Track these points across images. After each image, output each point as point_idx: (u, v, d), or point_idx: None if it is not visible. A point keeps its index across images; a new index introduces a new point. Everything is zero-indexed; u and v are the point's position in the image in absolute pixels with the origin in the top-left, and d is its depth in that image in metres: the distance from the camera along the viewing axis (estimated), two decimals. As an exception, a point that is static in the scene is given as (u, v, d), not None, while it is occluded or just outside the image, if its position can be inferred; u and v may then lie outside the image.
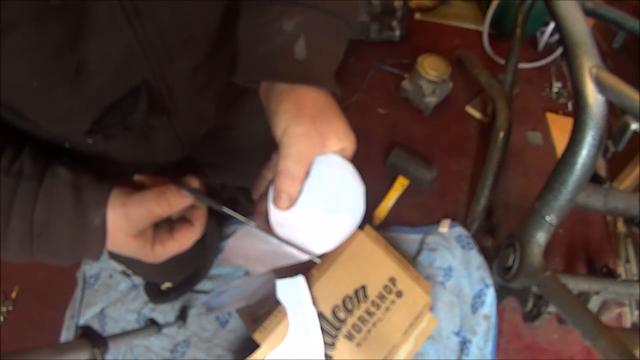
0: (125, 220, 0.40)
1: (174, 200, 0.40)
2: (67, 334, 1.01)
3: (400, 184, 1.25)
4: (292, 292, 0.72)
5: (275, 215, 0.42)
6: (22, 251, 0.39)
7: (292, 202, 0.40)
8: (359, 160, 0.44)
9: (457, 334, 0.98)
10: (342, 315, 0.74)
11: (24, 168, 0.38)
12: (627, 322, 1.04)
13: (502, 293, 0.99)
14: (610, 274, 0.91)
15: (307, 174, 0.40)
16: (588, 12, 0.88)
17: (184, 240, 0.43)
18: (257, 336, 0.70)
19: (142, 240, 0.41)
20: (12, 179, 0.38)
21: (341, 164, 0.42)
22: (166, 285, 0.97)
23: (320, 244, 0.44)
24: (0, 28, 0.30)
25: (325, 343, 0.72)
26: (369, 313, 0.76)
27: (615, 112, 0.86)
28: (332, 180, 0.41)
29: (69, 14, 0.33)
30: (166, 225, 0.43)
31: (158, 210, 0.40)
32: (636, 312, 1.02)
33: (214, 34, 0.47)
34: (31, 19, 0.31)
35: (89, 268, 1.07)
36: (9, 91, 0.36)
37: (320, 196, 0.41)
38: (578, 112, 0.66)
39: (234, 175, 0.87)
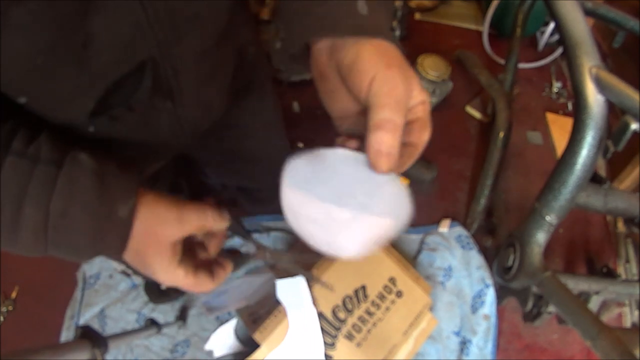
0: (178, 221, 0.39)
1: (222, 217, 0.42)
2: (67, 334, 1.01)
3: (400, 184, 1.25)
4: (292, 292, 0.72)
5: (292, 201, 0.36)
6: (35, 244, 0.36)
7: (393, 161, 0.32)
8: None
9: (457, 334, 0.98)
10: (342, 315, 0.74)
11: (41, 152, 0.35)
12: (627, 322, 1.04)
13: (502, 293, 0.99)
14: (610, 274, 0.91)
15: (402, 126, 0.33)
16: (588, 12, 0.88)
17: (218, 279, 0.44)
18: (257, 336, 0.70)
19: (177, 253, 0.40)
20: (27, 162, 0.34)
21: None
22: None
23: (343, 246, 0.36)
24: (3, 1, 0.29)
25: (325, 343, 0.72)
26: (369, 313, 0.76)
27: (615, 112, 0.86)
28: (370, 173, 0.33)
29: None
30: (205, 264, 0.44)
31: (210, 220, 0.41)
32: (636, 312, 1.02)
33: (222, 16, 0.47)
34: None
35: (89, 268, 1.07)
36: (12, 70, 0.34)
37: (351, 189, 0.34)
38: (578, 112, 0.66)
39: (234, 176, 0.87)
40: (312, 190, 0.35)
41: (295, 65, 0.41)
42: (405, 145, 0.36)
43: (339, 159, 0.35)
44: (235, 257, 0.53)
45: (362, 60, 0.33)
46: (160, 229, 0.39)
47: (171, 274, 0.41)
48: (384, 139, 0.31)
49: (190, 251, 0.43)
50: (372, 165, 0.32)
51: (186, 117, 0.54)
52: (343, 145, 0.36)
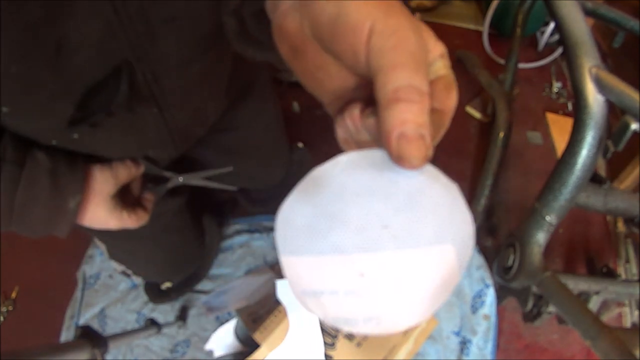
0: (113, 177, 0.53)
1: (139, 164, 0.58)
2: (67, 334, 1.01)
3: (400, 184, 1.25)
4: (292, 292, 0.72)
5: (295, 277, 0.24)
6: (3, 222, 0.45)
7: (426, 146, 0.21)
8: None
9: (457, 334, 0.98)
10: (342, 315, 0.74)
11: (6, 153, 0.43)
12: (627, 322, 1.04)
13: (502, 293, 0.99)
14: (610, 274, 0.92)
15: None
16: (588, 12, 0.87)
17: (149, 210, 0.61)
18: (257, 336, 0.70)
19: (117, 202, 0.55)
20: None
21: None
22: (166, 285, 0.97)
23: (394, 315, 0.23)
24: None
25: (325, 343, 0.72)
26: (369, 313, 0.76)
27: (616, 112, 0.86)
28: (397, 176, 0.23)
29: None
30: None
31: (133, 169, 0.56)
32: (636, 312, 1.02)
33: (207, 19, 0.44)
34: None
35: (89, 268, 1.07)
36: None
37: (375, 214, 0.23)
38: (578, 112, 0.66)
39: (234, 177, 0.87)
40: (318, 246, 0.23)
41: (259, 51, 0.35)
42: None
43: (344, 174, 0.23)
44: (154, 189, 0.64)
45: (348, 8, 0.22)
46: (103, 189, 0.52)
47: (118, 218, 0.55)
48: (408, 115, 0.20)
49: (123, 197, 0.57)
50: (396, 160, 0.21)
51: (175, 123, 0.54)
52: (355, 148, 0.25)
